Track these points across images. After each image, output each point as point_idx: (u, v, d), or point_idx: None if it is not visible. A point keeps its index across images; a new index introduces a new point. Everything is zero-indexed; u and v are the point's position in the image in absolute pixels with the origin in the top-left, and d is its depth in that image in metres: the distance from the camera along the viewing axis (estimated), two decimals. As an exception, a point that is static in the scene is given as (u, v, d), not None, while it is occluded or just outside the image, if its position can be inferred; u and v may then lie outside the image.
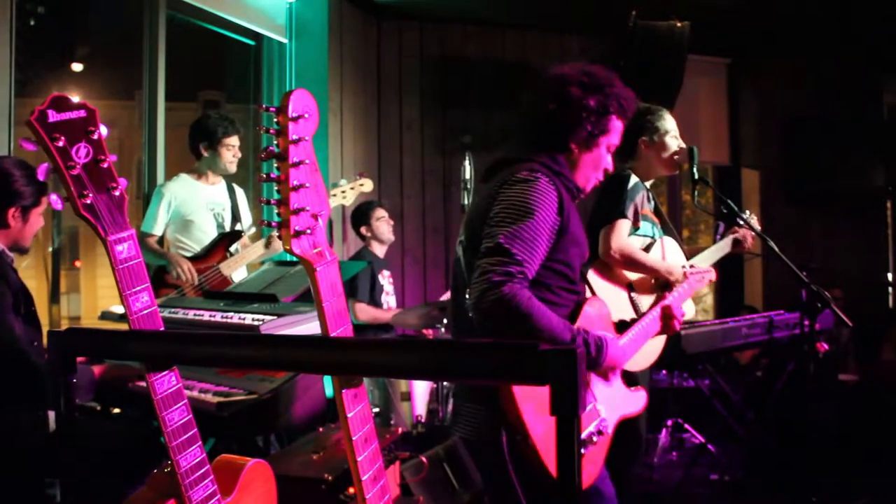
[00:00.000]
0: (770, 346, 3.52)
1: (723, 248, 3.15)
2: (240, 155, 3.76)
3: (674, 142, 2.98)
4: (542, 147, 1.97)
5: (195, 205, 3.68)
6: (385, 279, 4.47)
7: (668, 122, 2.98)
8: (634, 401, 2.11)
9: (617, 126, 2.01)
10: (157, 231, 3.64)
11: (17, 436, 2.22)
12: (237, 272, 3.60)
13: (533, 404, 1.77)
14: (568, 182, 1.95)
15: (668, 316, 2.22)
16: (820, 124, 6.16)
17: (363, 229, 4.46)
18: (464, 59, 5.83)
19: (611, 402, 2.01)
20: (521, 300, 1.72)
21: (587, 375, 1.95)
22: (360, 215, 4.48)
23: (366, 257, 4.39)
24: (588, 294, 2.08)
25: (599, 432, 1.94)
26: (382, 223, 4.47)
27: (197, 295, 3.38)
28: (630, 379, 2.16)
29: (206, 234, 3.68)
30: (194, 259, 3.53)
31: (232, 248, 3.65)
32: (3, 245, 2.37)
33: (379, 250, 4.49)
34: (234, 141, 3.71)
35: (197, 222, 3.67)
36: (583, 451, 1.87)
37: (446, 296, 4.46)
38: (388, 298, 4.49)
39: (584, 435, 1.89)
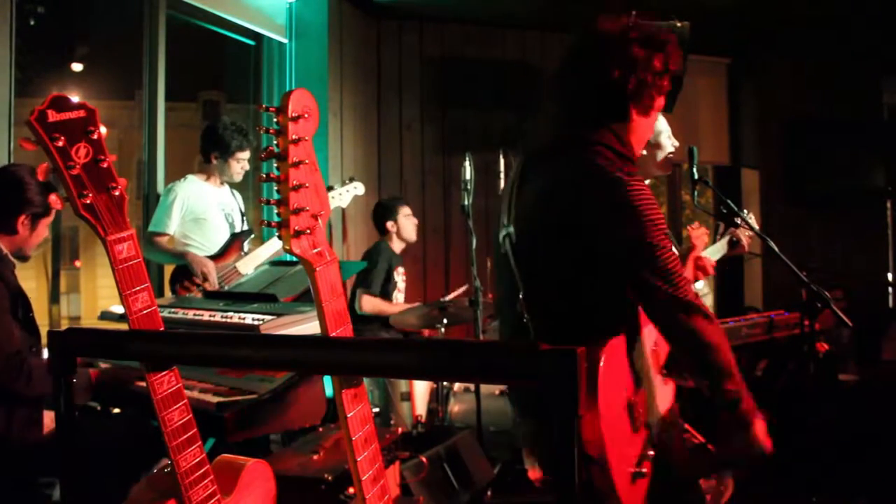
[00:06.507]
0: (770, 346, 3.51)
1: (718, 250, 3.15)
2: (248, 168, 3.80)
3: (668, 142, 2.98)
4: (602, 118, 1.78)
5: (207, 204, 3.70)
6: (399, 276, 4.48)
7: (661, 123, 2.99)
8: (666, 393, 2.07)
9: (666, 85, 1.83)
10: (170, 230, 3.62)
11: (10, 437, 2.22)
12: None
13: (616, 443, 1.70)
14: (630, 163, 1.80)
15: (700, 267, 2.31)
16: (820, 124, 6.16)
17: (389, 224, 4.46)
18: (464, 59, 5.82)
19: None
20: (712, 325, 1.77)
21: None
22: (386, 210, 4.48)
23: (383, 251, 4.39)
24: None
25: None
26: (409, 221, 4.49)
27: None
28: None
29: (218, 233, 3.68)
30: (211, 258, 3.53)
31: (245, 247, 3.66)
32: (7, 250, 2.39)
33: (397, 247, 4.50)
34: (245, 155, 3.74)
35: (209, 221, 3.68)
36: (645, 471, 1.79)
37: (455, 294, 4.47)
38: (399, 295, 4.51)
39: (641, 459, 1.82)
